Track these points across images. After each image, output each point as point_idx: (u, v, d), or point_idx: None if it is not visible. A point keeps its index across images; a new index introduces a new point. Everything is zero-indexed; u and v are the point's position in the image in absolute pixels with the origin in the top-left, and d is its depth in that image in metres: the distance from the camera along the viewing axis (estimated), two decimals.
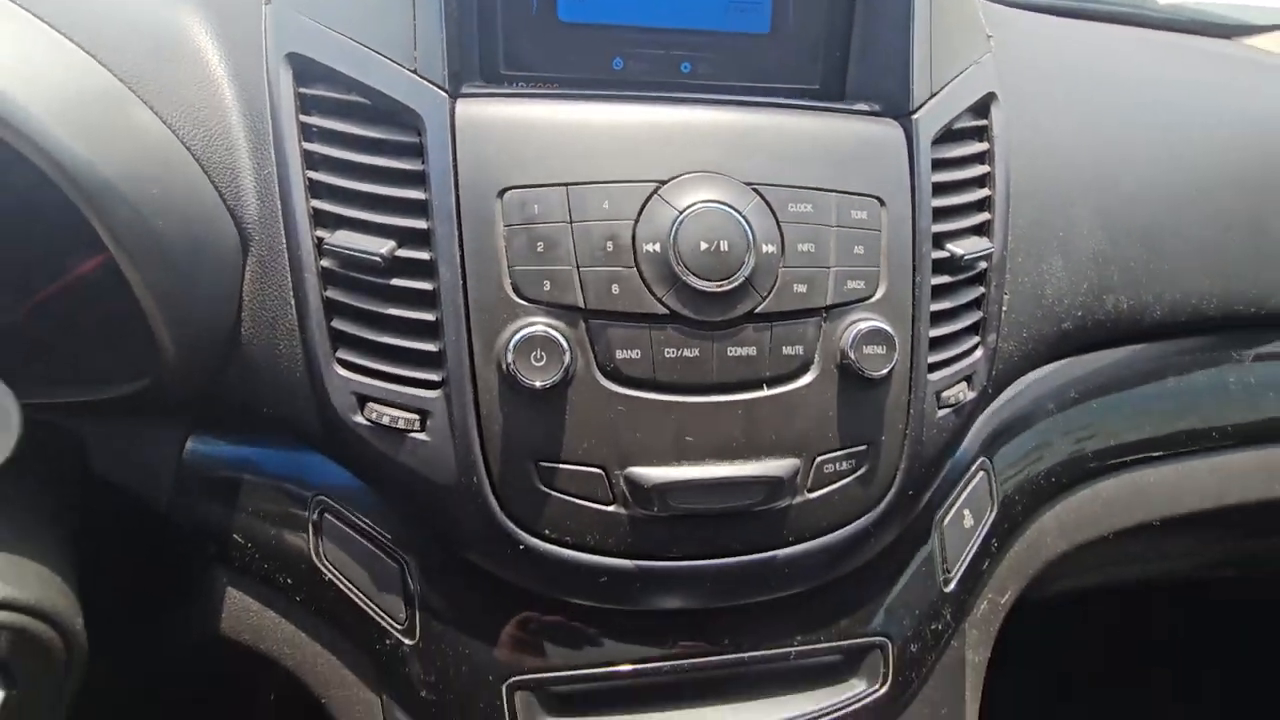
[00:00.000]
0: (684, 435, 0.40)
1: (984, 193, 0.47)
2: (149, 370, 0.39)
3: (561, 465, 0.40)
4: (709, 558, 0.42)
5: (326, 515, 0.44)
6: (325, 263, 0.39)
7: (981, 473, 0.53)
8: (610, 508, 0.40)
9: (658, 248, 0.38)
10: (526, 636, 0.43)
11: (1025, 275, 0.51)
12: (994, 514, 0.52)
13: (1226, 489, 0.61)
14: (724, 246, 0.38)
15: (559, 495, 0.40)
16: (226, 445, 0.45)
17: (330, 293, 0.39)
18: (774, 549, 0.42)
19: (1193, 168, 0.60)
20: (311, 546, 0.43)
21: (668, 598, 0.42)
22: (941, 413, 0.46)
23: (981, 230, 0.47)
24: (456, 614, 0.43)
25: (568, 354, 0.37)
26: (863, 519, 0.44)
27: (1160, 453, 0.60)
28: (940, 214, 0.44)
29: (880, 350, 0.41)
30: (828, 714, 0.45)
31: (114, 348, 0.42)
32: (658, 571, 0.41)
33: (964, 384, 0.48)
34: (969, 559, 0.51)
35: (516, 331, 0.37)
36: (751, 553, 0.42)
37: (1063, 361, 0.58)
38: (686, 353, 0.39)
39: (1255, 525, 0.63)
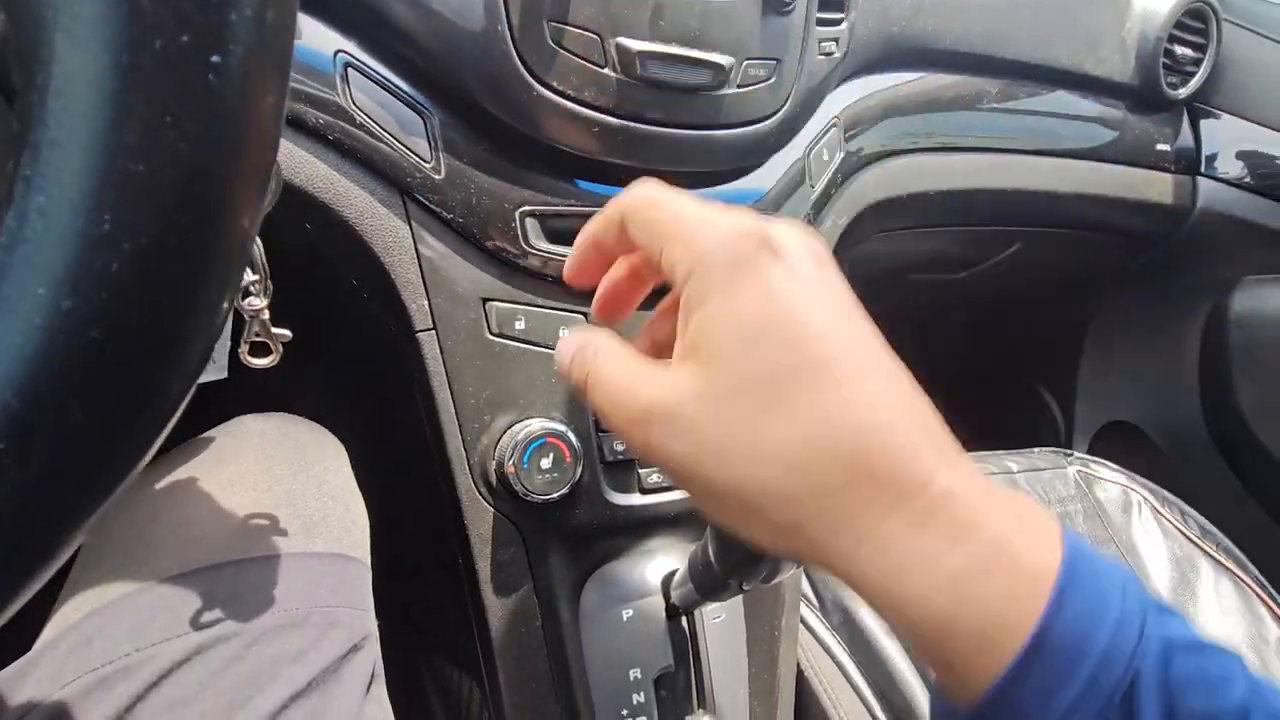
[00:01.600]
0: (659, 21, 0.53)
1: None
2: None
3: (568, 26, 0.51)
4: (673, 127, 0.56)
5: (350, 69, 0.51)
6: None
7: (835, 127, 0.73)
8: (604, 70, 0.52)
9: None
10: (533, 177, 0.55)
11: None
12: (841, 156, 0.73)
13: (976, 177, 0.89)
14: None
15: (565, 52, 0.51)
16: None
17: None
18: (714, 128, 0.58)
19: None
20: (340, 92, 0.50)
21: (640, 154, 0.56)
22: (820, 57, 0.65)
23: None
24: (475, 155, 0.53)
25: None
26: (770, 120, 0.61)
27: (951, 145, 0.86)
28: None
29: None
30: None
31: None
32: (636, 132, 0.55)
33: (834, 42, 0.66)
34: (825, 180, 0.71)
35: None
36: (700, 129, 0.58)
37: (895, 83, 0.81)
38: None
39: (987, 208, 0.93)
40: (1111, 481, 1.09)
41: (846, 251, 0.88)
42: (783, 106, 0.62)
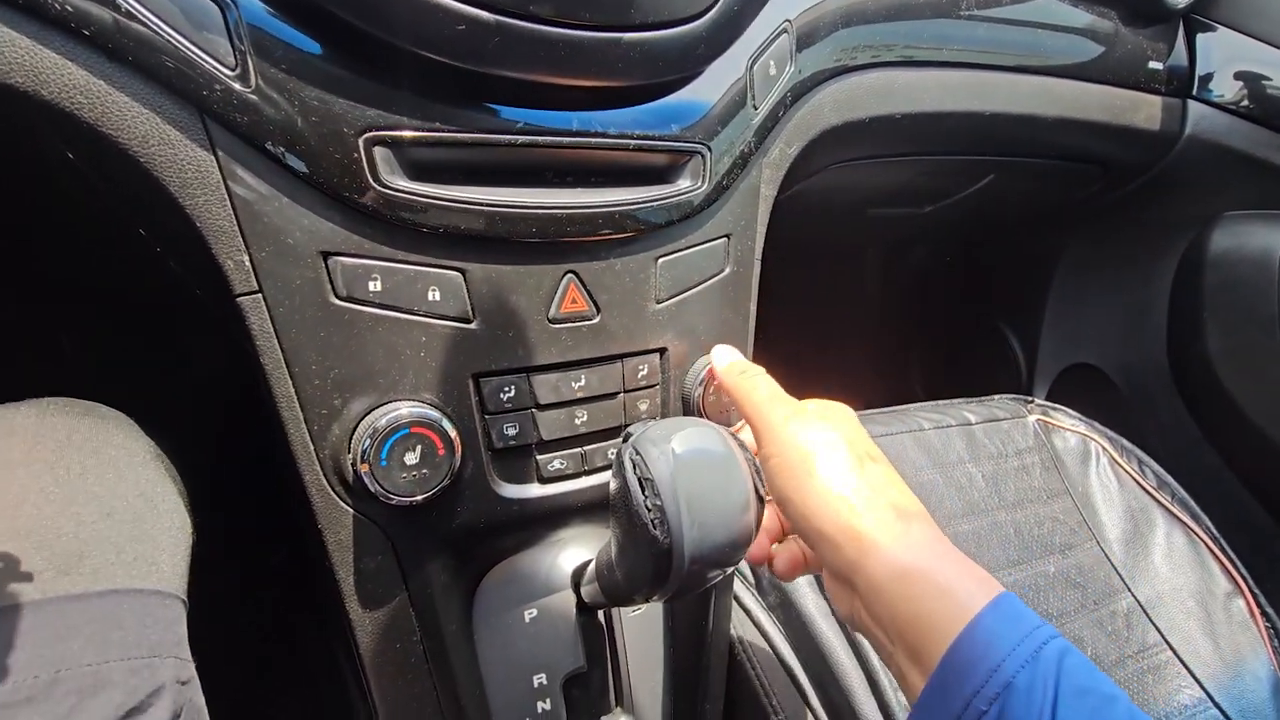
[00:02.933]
0: None
1: None
2: None
3: None
4: (568, 26, 0.43)
5: None
6: None
7: (785, 34, 0.60)
8: None
9: None
10: (383, 92, 0.42)
11: None
12: (791, 69, 0.61)
13: (948, 98, 0.77)
14: None
15: None
16: None
17: None
18: (624, 29, 0.45)
19: None
20: None
21: (520, 60, 0.43)
22: None
23: None
24: (298, 61, 0.40)
25: None
26: (700, 19, 0.48)
27: (922, 59, 0.73)
28: None
29: None
30: (658, 200, 0.52)
31: None
32: (515, 30, 0.42)
33: None
34: (771, 101, 0.59)
35: None
36: (606, 29, 0.45)
37: None
38: None
39: (959, 135, 0.82)
40: (1071, 430, 1.04)
41: (798, 185, 0.77)
42: (716, 2, 0.49)
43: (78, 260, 0.62)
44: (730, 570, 0.50)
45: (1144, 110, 0.95)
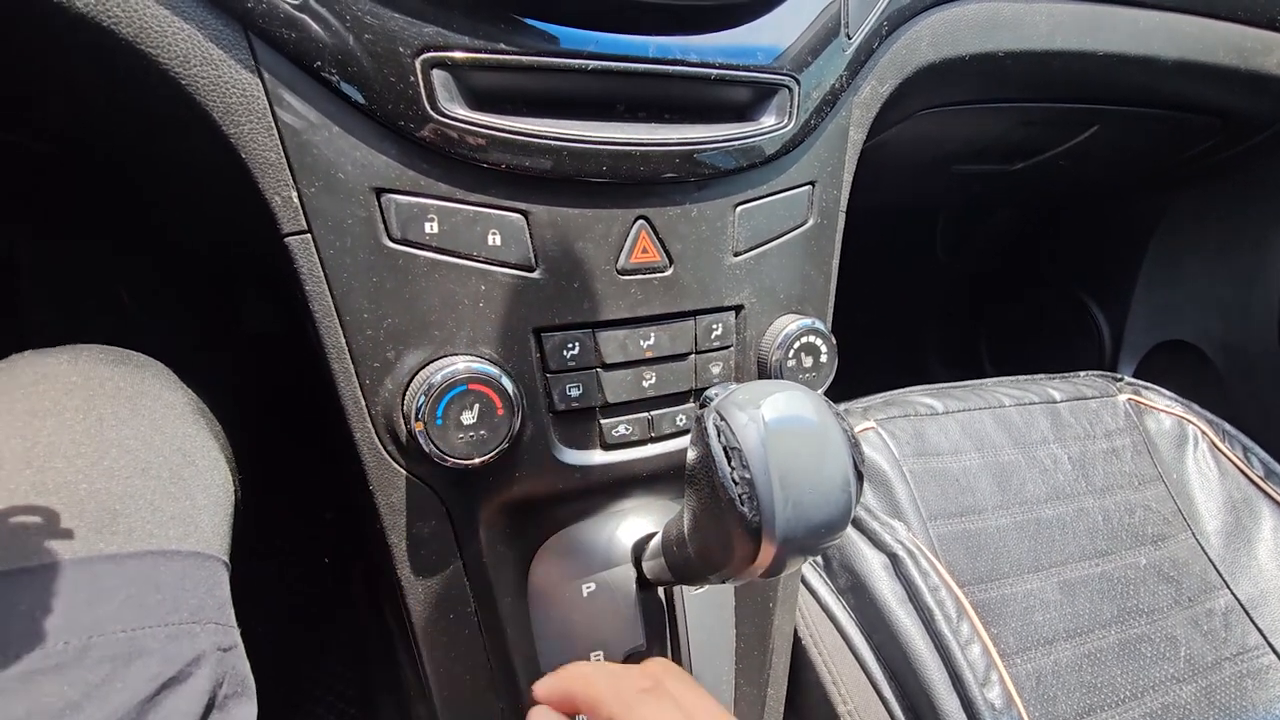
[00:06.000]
0: None
1: None
2: None
3: None
4: None
5: None
6: None
7: None
8: None
9: None
10: (442, 8, 0.37)
11: None
12: None
13: (1058, 34, 0.69)
14: None
15: None
16: None
17: None
18: None
19: None
20: None
21: None
22: None
23: None
24: None
25: None
26: None
27: None
28: None
29: None
30: (740, 139, 0.46)
31: None
32: None
33: None
34: (866, 30, 0.52)
35: None
36: None
37: None
38: None
39: (1068, 79, 0.73)
40: (1165, 412, 0.95)
41: (884, 133, 0.70)
42: None
43: (127, 204, 0.60)
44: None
45: (1277, 53, 0.84)
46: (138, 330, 0.83)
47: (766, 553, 0.33)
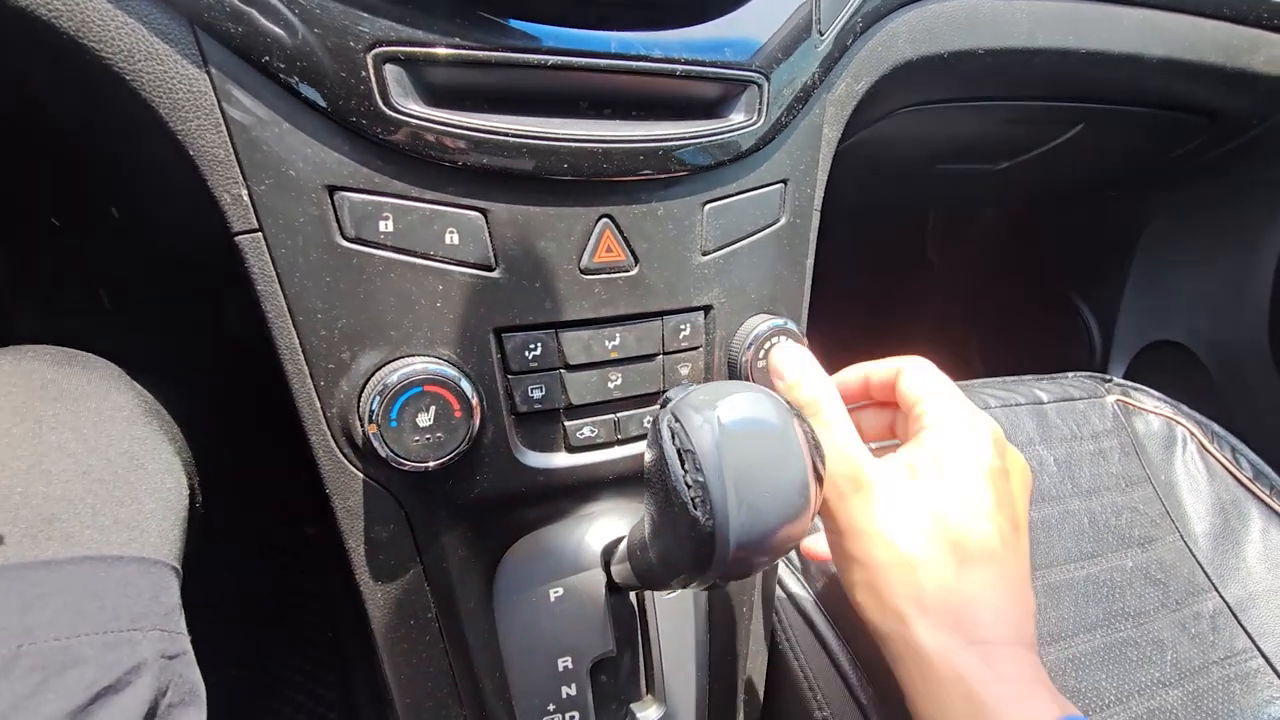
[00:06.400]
0: None
1: None
2: None
3: None
4: None
5: None
6: None
7: None
8: None
9: None
10: (395, 3, 0.36)
11: None
12: None
13: (1040, 32, 0.68)
14: None
15: None
16: None
17: None
18: None
19: None
20: None
21: None
22: None
23: None
24: None
25: None
26: None
27: None
28: None
29: None
30: (707, 137, 0.46)
31: None
32: None
33: None
34: (839, 26, 0.52)
35: None
36: None
37: None
38: None
39: (1050, 77, 0.72)
40: (1154, 413, 0.94)
41: (862, 132, 0.69)
42: None
43: (95, 203, 0.60)
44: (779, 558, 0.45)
45: (1264, 51, 0.83)
46: (117, 330, 0.83)
47: (721, 559, 0.32)
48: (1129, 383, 0.98)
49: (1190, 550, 0.85)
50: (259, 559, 0.90)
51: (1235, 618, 0.81)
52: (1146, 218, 1.18)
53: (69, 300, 0.83)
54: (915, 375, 0.46)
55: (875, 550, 0.40)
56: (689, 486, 0.32)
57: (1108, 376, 0.99)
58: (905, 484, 0.41)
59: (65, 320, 0.82)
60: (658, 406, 0.38)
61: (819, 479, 0.35)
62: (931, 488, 0.41)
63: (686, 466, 0.32)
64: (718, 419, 0.33)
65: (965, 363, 1.43)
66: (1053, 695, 0.37)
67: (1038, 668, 0.39)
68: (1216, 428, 0.95)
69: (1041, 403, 0.91)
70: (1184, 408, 0.96)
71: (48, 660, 0.29)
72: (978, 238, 1.34)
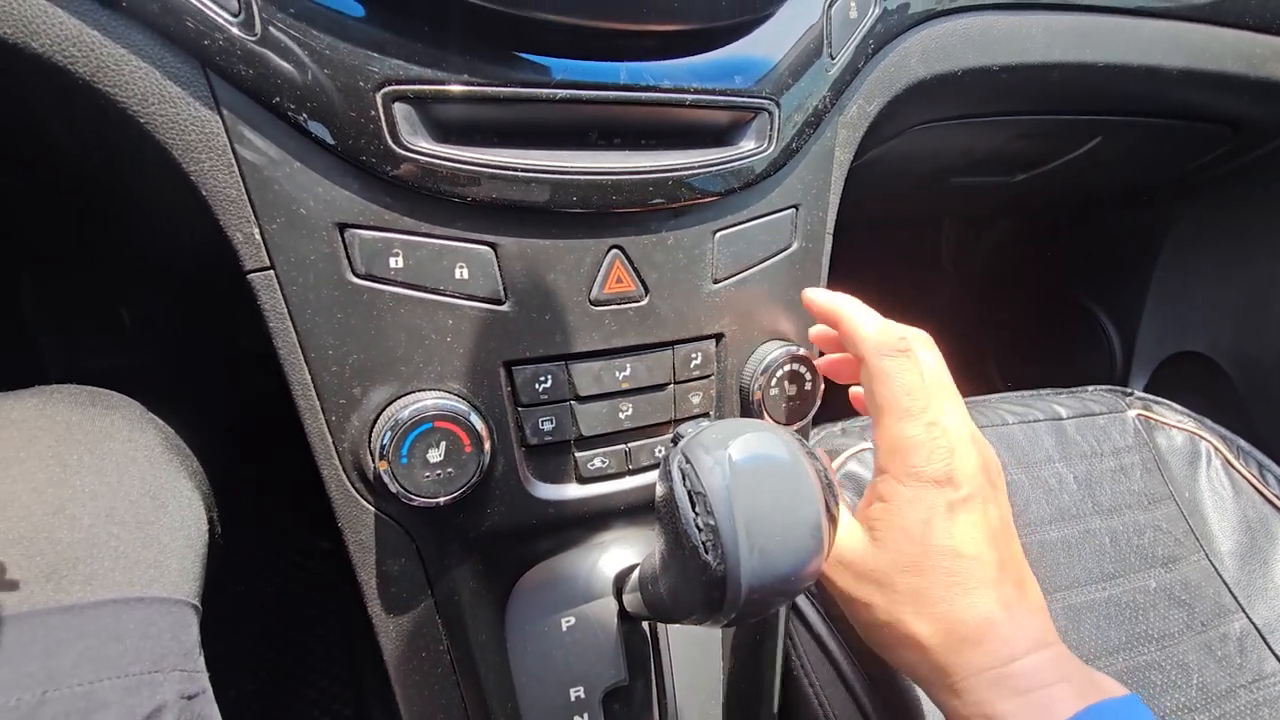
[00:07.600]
0: None
1: None
2: None
3: None
4: None
5: None
6: None
7: None
8: None
9: None
10: (403, 41, 0.36)
11: None
12: (876, 12, 0.53)
13: (1056, 47, 0.67)
14: None
15: None
16: None
17: None
18: None
19: None
20: None
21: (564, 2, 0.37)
22: None
23: None
24: (308, 4, 0.35)
25: None
26: None
27: (1026, 1, 0.64)
28: None
29: None
30: (718, 165, 0.45)
31: None
32: None
33: None
34: (850, 50, 0.51)
35: None
36: None
37: None
38: None
39: (1067, 91, 0.71)
40: (1177, 428, 0.92)
41: (875, 150, 0.69)
42: None
43: (114, 233, 0.61)
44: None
45: None
46: (139, 351, 0.84)
47: (732, 603, 0.32)
48: (1151, 396, 0.96)
49: (1216, 570, 0.83)
50: (276, 574, 0.91)
51: (1263, 640, 0.79)
52: (1167, 226, 1.16)
53: (92, 323, 0.85)
54: (878, 386, 0.43)
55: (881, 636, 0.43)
56: (700, 530, 0.32)
57: (1129, 390, 0.97)
58: (871, 554, 0.42)
59: (86, 340, 0.83)
60: (669, 439, 0.38)
61: (832, 520, 0.34)
62: (898, 553, 0.41)
63: (698, 509, 0.32)
64: (729, 458, 0.32)
65: (982, 375, 1.41)
66: (1078, 693, 0.39)
67: (1058, 661, 0.41)
68: (1242, 443, 0.93)
69: (1061, 418, 0.89)
70: (1208, 422, 0.94)
71: (71, 706, 0.29)
72: (994, 247, 1.33)
